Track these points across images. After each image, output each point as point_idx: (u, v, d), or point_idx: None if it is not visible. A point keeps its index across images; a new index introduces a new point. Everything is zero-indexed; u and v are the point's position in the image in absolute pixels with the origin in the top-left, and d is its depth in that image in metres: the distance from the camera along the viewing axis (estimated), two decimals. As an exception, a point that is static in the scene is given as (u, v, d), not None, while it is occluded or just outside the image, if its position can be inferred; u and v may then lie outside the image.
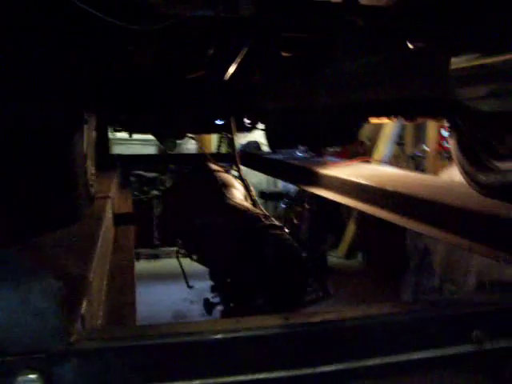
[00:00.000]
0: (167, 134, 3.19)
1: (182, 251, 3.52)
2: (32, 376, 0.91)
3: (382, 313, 1.07)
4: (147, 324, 1.05)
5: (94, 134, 2.39)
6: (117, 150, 6.87)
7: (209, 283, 3.41)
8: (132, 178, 5.92)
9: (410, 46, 1.31)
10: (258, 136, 7.60)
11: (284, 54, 1.79)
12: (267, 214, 2.87)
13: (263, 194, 7.22)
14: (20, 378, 0.90)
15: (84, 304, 1.12)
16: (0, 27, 1.37)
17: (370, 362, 1.02)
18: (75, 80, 1.69)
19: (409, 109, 2.31)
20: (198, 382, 0.94)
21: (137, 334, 0.98)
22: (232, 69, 2.08)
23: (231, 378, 0.94)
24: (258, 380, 0.96)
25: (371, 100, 1.84)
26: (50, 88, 1.54)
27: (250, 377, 0.95)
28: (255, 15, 1.19)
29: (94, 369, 0.94)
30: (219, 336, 0.96)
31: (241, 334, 0.98)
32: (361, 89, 1.34)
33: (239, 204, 2.98)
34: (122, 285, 1.70)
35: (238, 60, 2.02)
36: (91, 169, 2.19)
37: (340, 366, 1.00)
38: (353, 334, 1.03)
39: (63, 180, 1.71)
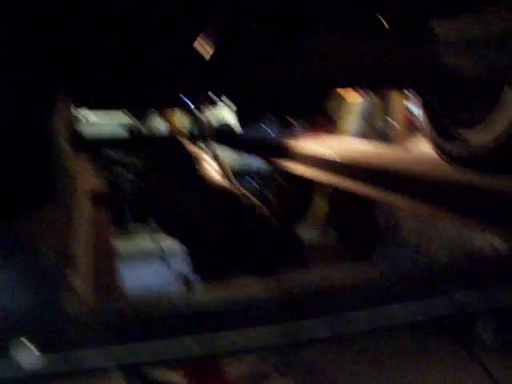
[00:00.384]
0: (142, 108, 3.17)
1: (159, 230, 3.53)
2: (32, 350, 0.93)
3: (364, 273, 1.12)
4: (141, 294, 1.08)
5: (67, 111, 2.38)
6: (86, 131, 6.78)
7: (185, 261, 3.43)
8: (101, 159, 5.88)
9: (381, 18, 1.34)
10: (226, 114, 7.60)
11: (256, 25, 1.80)
12: (243, 190, 2.91)
13: (234, 171, 7.23)
14: (21, 353, 0.92)
15: (75, 278, 1.15)
16: None
17: (354, 318, 1.07)
18: (50, 55, 1.68)
19: (378, 80, 2.35)
20: (190, 339, 0.97)
21: (132, 305, 1.01)
22: (202, 41, 2.08)
23: (225, 341, 0.99)
24: (250, 337, 1.00)
25: (346, 71, 1.87)
26: (24, 62, 1.54)
27: (242, 335, 0.99)
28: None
29: (91, 341, 0.97)
30: (211, 298, 1.00)
31: (232, 298, 1.01)
32: (344, 60, 1.37)
33: (215, 181, 3.01)
34: (105, 260, 1.73)
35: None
36: (67, 147, 2.19)
37: (327, 324, 1.05)
38: (337, 292, 1.08)
39: (40, 157, 1.71)
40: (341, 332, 1.06)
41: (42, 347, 0.93)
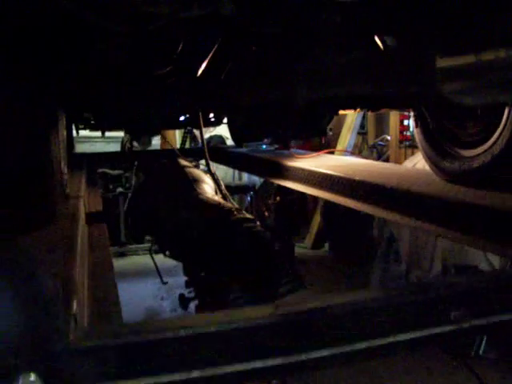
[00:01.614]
0: (141, 132, 3.18)
1: (155, 247, 3.52)
2: (32, 377, 0.92)
3: (366, 298, 1.11)
4: (140, 321, 1.07)
5: (64, 132, 2.38)
6: (80, 148, 6.80)
7: (179, 279, 3.42)
8: (96, 176, 5.87)
9: (379, 43, 1.35)
10: (222, 130, 7.62)
11: (259, 49, 1.80)
12: (239, 207, 2.90)
13: (229, 188, 7.24)
14: (20, 380, 0.91)
15: (75, 303, 1.13)
16: None
17: (358, 346, 1.06)
18: (50, 79, 1.69)
19: (378, 101, 2.37)
20: (196, 373, 0.96)
21: (132, 330, 1.00)
22: (203, 65, 2.09)
23: (229, 368, 0.98)
24: (254, 368, 0.99)
25: (349, 94, 1.88)
26: (26, 86, 1.54)
27: (246, 366, 0.99)
28: (235, 13, 1.21)
29: (92, 367, 0.96)
30: (214, 328, 0.99)
31: (234, 325, 1.01)
32: (344, 85, 1.37)
33: (211, 198, 3.00)
34: (104, 283, 1.71)
35: (209, 56, 2.03)
36: (64, 168, 2.19)
37: (330, 351, 1.04)
38: (340, 319, 1.07)
39: (41, 180, 1.71)
40: (343, 361, 1.06)
41: (43, 379, 0.92)
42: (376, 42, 1.30)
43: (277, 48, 1.73)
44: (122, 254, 7.54)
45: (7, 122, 1.54)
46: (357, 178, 2.83)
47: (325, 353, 1.03)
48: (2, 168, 1.60)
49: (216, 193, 3.31)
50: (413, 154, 5.84)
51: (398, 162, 6.15)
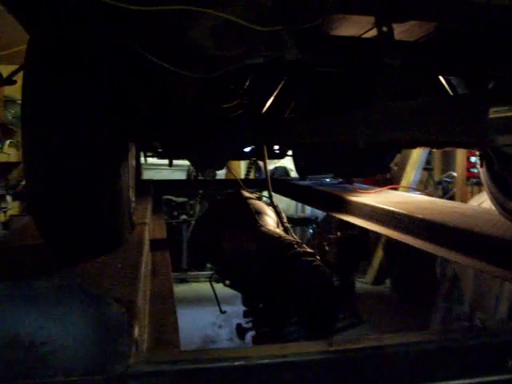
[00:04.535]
0: (207, 165, 3.27)
1: (215, 276, 3.57)
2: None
3: (421, 340, 1.11)
4: (197, 349, 1.10)
5: (133, 162, 2.49)
6: (147, 175, 7.02)
7: (237, 308, 3.44)
8: (161, 202, 6.03)
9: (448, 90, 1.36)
10: (286, 161, 7.68)
11: (322, 91, 1.85)
12: (299, 240, 2.92)
13: (291, 220, 7.25)
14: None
15: (136, 329, 1.19)
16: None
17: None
18: (125, 114, 1.79)
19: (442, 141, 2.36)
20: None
21: (190, 358, 1.04)
22: (268, 102, 2.15)
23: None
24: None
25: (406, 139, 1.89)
26: (102, 120, 1.64)
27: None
28: (299, 58, 1.26)
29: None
30: (266, 361, 1.02)
31: (286, 359, 1.03)
32: (401, 130, 1.38)
33: (272, 231, 3.04)
34: (164, 309, 1.77)
35: (274, 93, 2.09)
36: (132, 196, 2.29)
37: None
38: (394, 360, 1.07)
39: (111, 208, 1.81)
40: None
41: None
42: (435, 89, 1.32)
43: (339, 90, 1.77)
44: (183, 280, 7.65)
45: (83, 154, 1.65)
46: (419, 216, 2.81)
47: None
48: (76, 198, 1.70)
49: (278, 225, 3.34)
50: (480, 191, 5.70)
51: (464, 199, 6.02)
